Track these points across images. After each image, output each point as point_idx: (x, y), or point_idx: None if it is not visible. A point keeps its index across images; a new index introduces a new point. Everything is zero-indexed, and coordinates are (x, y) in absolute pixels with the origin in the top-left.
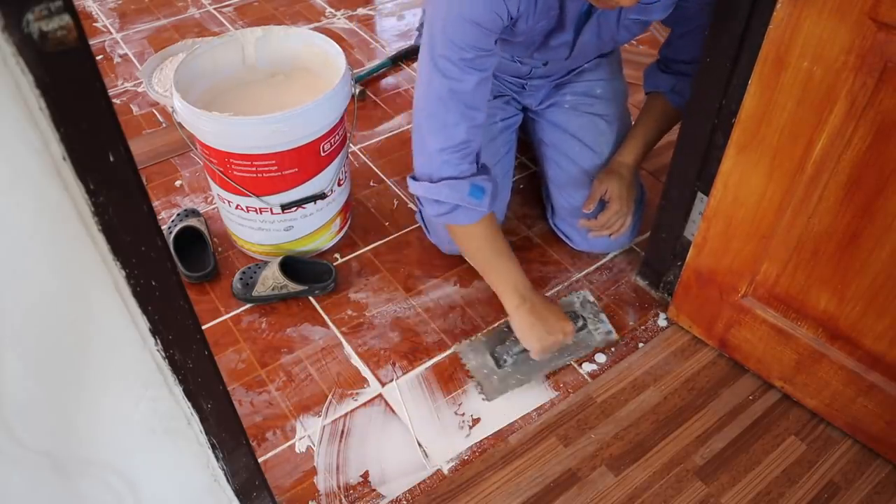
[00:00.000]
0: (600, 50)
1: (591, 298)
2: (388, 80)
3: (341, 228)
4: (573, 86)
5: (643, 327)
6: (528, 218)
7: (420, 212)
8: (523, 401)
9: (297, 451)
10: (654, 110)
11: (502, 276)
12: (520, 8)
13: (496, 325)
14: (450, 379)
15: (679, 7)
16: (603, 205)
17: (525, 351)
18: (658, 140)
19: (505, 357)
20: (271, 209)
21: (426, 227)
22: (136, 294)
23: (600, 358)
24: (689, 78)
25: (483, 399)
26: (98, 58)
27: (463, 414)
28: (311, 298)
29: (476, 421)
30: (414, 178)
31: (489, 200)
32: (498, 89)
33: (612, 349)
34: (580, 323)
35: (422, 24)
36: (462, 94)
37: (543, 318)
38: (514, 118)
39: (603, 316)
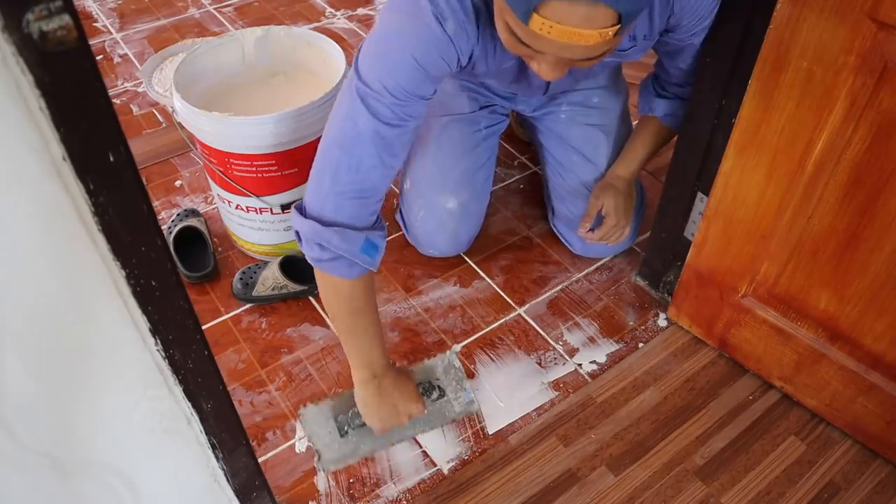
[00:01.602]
0: (574, 85)
1: (457, 364)
2: None
3: None
4: (569, 94)
5: (643, 327)
6: (529, 218)
7: (400, 211)
8: (523, 401)
9: (297, 451)
10: (650, 128)
11: (358, 345)
12: (473, 55)
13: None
14: None
15: (663, 43)
16: (600, 219)
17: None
18: (655, 154)
19: (346, 427)
20: (271, 209)
21: (405, 226)
22: (136, 294)
23: (600, 358)
24: (683, 101)
25: (319, 469)
26: (98, 58)
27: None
28: (311, 298)
29: (476, 421)
30: (300, 212)
31: (378, 259)
32: (486, 99)
33: (612, 346)
34: (435, 395)
35: None
36: (387, 139)
37: (390, 398)
38: (499, 125)
39: (467, 384)
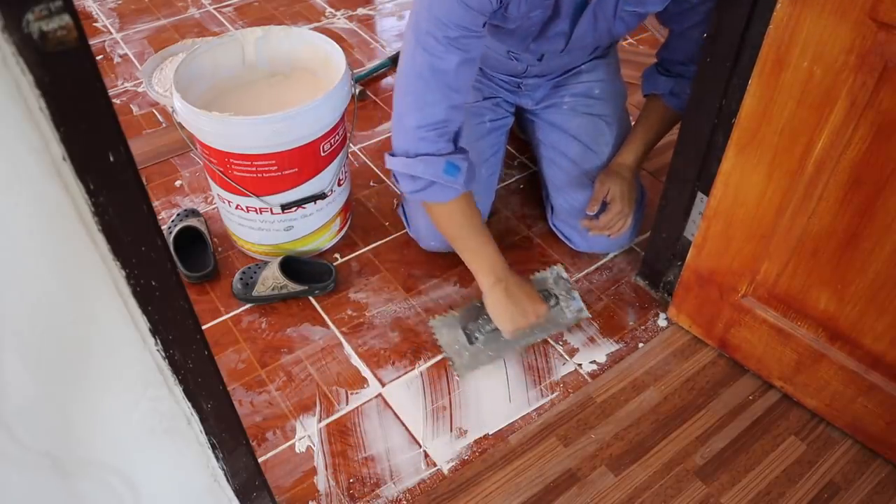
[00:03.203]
0: (597, 42)
1: (565, 275)
2: (388, 80)
3: (341, 228)
4: (571, 87)
5: (643, 327)
6: (528, 218)
7: (402, 205)
8: (523, 401)
9: (297, 451)
10: (654, 112)
11: (478, 255)
12: None
13: (468, 304)
14: (450, 379)
15: (677, 1)
16: (604, 206)
17: (497, 329)
18: (657, 141)
19: (476, 334)
20: (271, 209)
21: (406, 220)
22: (136, 294)
23: (600, 358)
24: (687, 80)
25: (455, 375)
26: (98, 58)
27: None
28: (311, 298)
29: (476, 421)
30: (391, 155)
31: (464, 179)
32: (490, 90)
33: (612, 346)
34: (552, 301)
35: None
36: (444, 72)
37: (517, 299)
38: (504, 120)
39: (575, 293)
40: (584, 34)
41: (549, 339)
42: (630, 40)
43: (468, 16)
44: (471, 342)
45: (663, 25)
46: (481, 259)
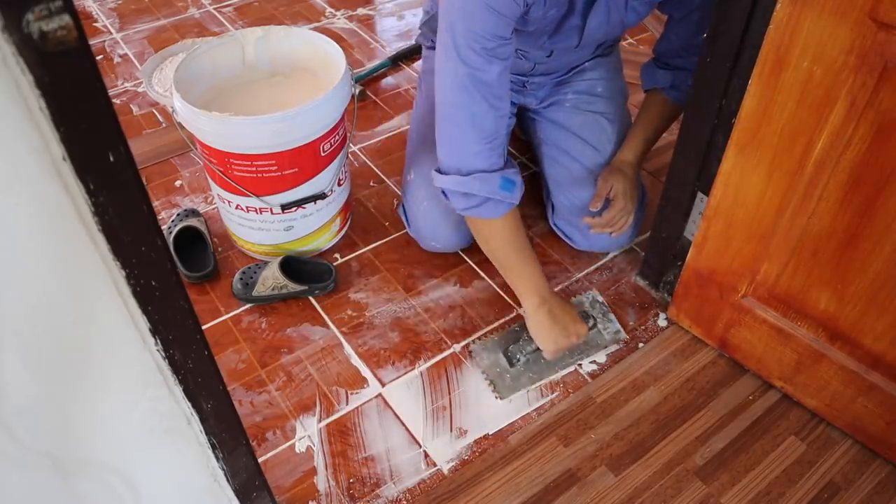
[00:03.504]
0: (608, 35)
1: (601, 299)
2: (388, 80)
3: (341, 228)
4: (574, 84)
5: (643, 327)
6: (528, 218)
7: (402, 205)
8: (523, 401)
9: (297, 451)
10: (654, 107)
11: (523, 276)
12: None
13: (506, 324)
14: (450, 379)
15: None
16: (607, 203)
17: (537, 350)
18: (658, 137)
19: (518, 356)
20: (271, 209)
21: (406, 220)
22: (136, 294)
23: (600, 358)
24: (686, 72)
25: (497, 398)
26: (98, 58)
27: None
28: (311, 298)
29: (476, 421)
30: (440, 171)
31: (518, 193)
32: None
33: (611, 347)
34: (591, 323)
35: (422, 23)
36: (487, 84)
37: (560, 320)
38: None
39: (611, 316)
40: (597, 28)
41: None
42: (630, 40)
43: (501, 23)
44: (511, 364)
45: (664, 12)
46: (527, 280)
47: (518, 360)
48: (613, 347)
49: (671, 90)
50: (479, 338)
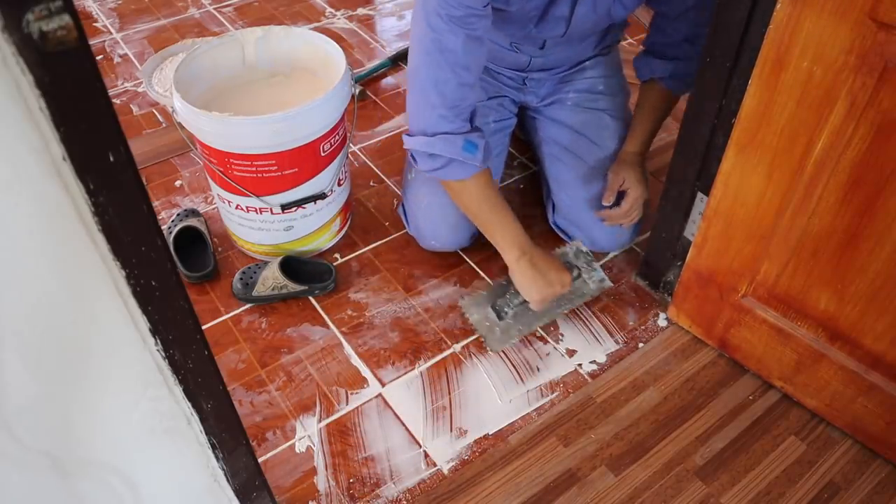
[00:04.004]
0: (596, 25)
1: (584, 248)
2: (388, 80)
3: (341, 228)
4: (575, 83)
5: (643, 327)
6: (529, 218)
7: (402, 205)
8: (523, 401)
9: (297, 451)
10: (652, 97)
11: (501, 230)
12: None
13: (493, 281)
14: (450, 379)
15: None
16: (618, 197)
17: (525, 302)
18: (659, 126)
19: (506, 309)
20: (271, 209)
21: (406, 220)
22: (136, 294)
23: (600, 358)
24: (685, 62)
25: (488, 349)
26: (98, 58)
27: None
28: (311, 298)
29: (476, 421)
30: (409, 135)
31: (482, 156)
32: (495, 89)
33: (613, 346)
34: (575, 273)
35: None
36: (451, 51)
37: (542, 270)
38: (508, 121)
39: (595, 265)
40: (584, 17)
41: (548, 340)
42: (630, 40)
43: None
44: (500, 318)
45: (654, 8)
46: (505, 233)
47: (506, 314)
48: (598, 293)
49: (670, 80)
50: (467, 293)
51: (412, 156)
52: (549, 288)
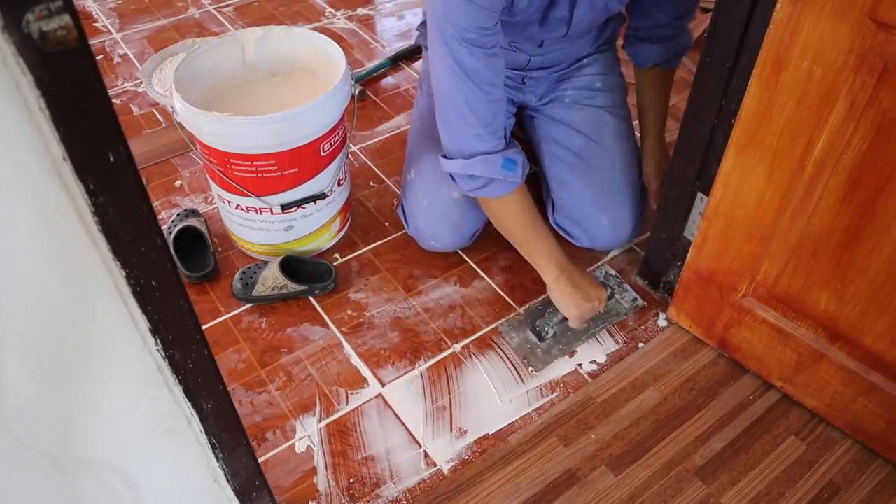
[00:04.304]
0: (595, 21)
1: (613, 272)
2: (388, 80)
3: (341, 228)
4: (573, 81)
5: (643, 327)
6: None
7: (402, 205)
8: (523, 401)
9: (297, 451)
10: (655, 81)
11: (540, 249)
12: None
13: (528, 305)
14: (450, 379)
15: None
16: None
17: (564, 320)
18: (668, 102)
19: (546, 329)
20: (271, 209)
21: (406, 220)
22: (136, 294)
23: (600, 358)
24: (677, 38)
25: (532, 371)
26: (98, 58)
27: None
28: (311, 298)
29: (476, 421)
30: (446, 157)
31: (521, 172)
32: None
33: (613, 346)
34: (609, 292)
35: (422, 24)
36: (474, 70)
37: (581, 287)
38: (507, 121)
39: (626, 286)
40: (583, 17)
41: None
42: None
43: (481, 15)
44: (541, 339)
45: None
46: (542, 252)
47: (547, 334)
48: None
49: (668, 62)
50: (505, 320)
51: (452, 177)
52: (588, 304)
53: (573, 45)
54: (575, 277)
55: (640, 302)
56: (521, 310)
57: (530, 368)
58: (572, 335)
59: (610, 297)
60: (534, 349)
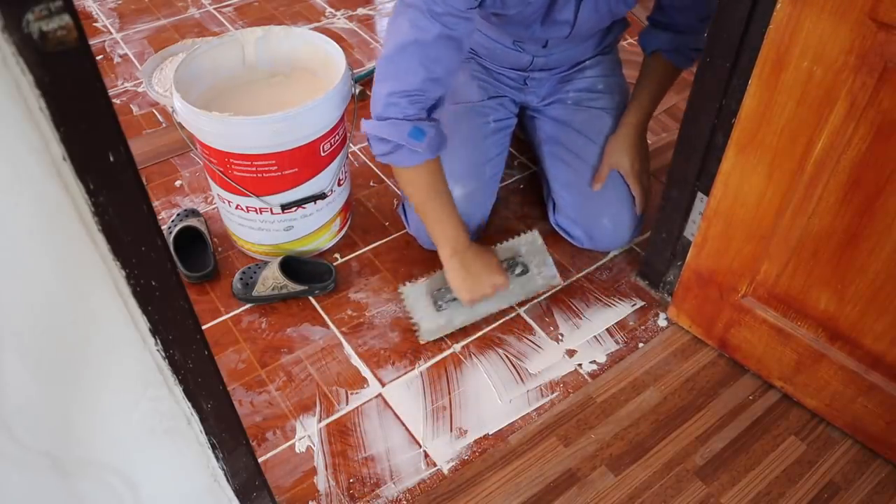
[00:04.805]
0: (600, 24)
1: (540, 241)
2: None
3: (341, 228)
4: (575, 82)
5: (643, 327)
6: (529, 218)
7: (402, 204)
8: (523, 401)
9: (297, 451)
10: (655, 69)
11: (440, 225)
12: None
13: (437, 272)
14: (450, 379)
15: None
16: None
17: (457, 298)
18: (661, 97)
19: (439, 302)
20: (271, 209)
21: (406, 219)
22: (136, 294)
23: (600, 358)
24: (688, 36)
25: (418, 338)
26: (98, 58)
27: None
28: (311, 298)
29: (476, 421)
30: (366, 119)
31: (429, 145)
32: (496, 89)
33: (613, 346)
34: (519, 269)
35: None
36: (424, 44)
37: (473, 271)
38: (509, 121)
39: (549, 260)
40: (587, 19)
41: (548, 340)
42: (630, 40)
43: None
44: (436, 309)
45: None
46: (442, 229)
47: (441, 307)
48: (546, 290)
49: (673, 53)
50: (410, 283)
51: (368, 139)
52: (478, 289)
53: (576, 48)
54: (470, 260)
55: (558, 280)
56: (426, 277)
57: (417, 337)
58: (469, 311)
59: (521, 273)
60: (426, 316)
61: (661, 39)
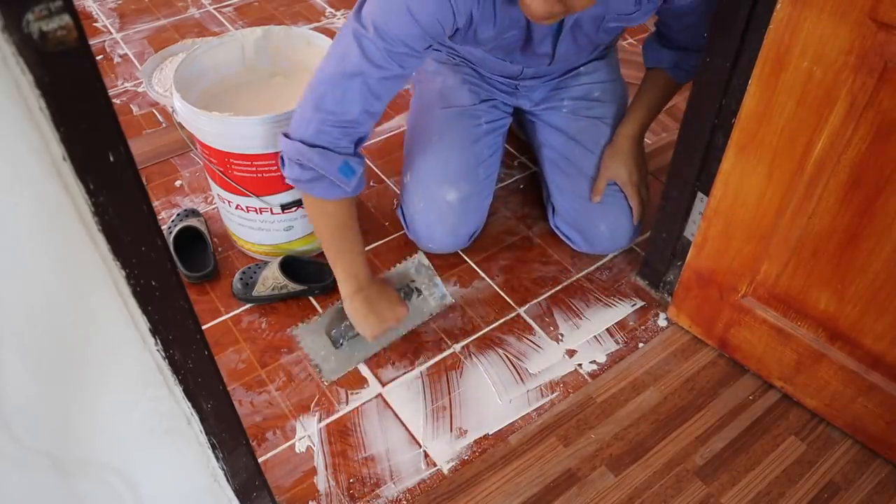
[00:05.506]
0: (582, 55)
1: (426, 262)
2: None
3: None
4: (571, 89)
5: (643, 327)
6: (528, 218)
7: (401, 206)
8: (523, 401)
9: (297, 451)
10: (655, 82)
11: (343, 261)
12: (473, 18)
13: (329, 308)
14: (450, 379)
15: (665, 10)
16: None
17: (359, 334)
18: (660, 110)
19: (341, 340)
20: (271, 209)
21: (405, 221)
22: (136, 294)
23: (600, 358)
24: (690, 53)
25: (322, 380)
26: (98, 58)
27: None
28: (311, 298)
29: (476, 421)
30: (287, 136)
31: (357, 184)
32: (487, 93)
33: (613, 346)
34: (414, 295)
35: None
36: (372, 80)
37: (376, 308)
38: (502, 121)
39: (437, 280)
40: (566, 52)
41: (548, 340)
42: (630, 40)
43: (417, 35)
44: (336, 346)
45: (661, 20)
46: (346, 265)
47: (341, 344)
48: (440, 310)
49: (674, 69)
50: (303, 323)
51: (281, 159)
52: (381, 324)
53: (566, 61)
54: (373, 297)
55: (449, 299)
56: (319, 313)
57: (321, 378)
58: (369, 344)
59: (417, 298)
60: (328, 357)
61: (663, 57)
